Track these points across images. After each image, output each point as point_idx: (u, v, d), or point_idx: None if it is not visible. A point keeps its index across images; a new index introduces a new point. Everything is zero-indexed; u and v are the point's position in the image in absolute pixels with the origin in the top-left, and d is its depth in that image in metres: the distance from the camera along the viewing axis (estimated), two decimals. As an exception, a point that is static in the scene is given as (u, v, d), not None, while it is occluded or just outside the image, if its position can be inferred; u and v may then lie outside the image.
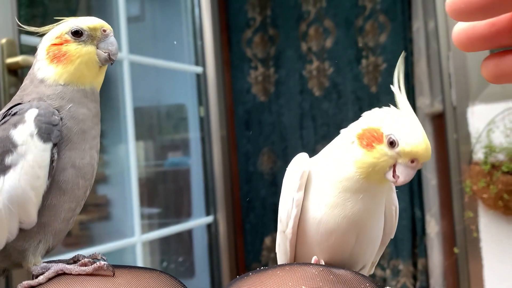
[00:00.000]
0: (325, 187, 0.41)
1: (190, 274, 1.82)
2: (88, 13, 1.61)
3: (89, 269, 0.35)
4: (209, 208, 1.83)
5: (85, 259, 0.41)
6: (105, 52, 0.44)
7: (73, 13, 1.57)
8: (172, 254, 1.78)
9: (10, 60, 1.00)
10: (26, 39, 1.09)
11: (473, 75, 1.56)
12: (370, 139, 0.38)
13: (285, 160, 1.92)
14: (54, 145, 0.35)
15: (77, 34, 0.41)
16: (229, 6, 2.04)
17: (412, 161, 0.37)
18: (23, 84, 0.40)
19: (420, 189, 1.85)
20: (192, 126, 1.87)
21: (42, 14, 1.47)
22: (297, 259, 0.44)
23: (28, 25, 0.42)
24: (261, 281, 0.33)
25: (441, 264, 1.75)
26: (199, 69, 1.81)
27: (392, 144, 0.36)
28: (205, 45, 1.80)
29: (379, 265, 1.93)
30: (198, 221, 1.80)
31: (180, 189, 1.85)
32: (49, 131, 0.35)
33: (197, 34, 1.81)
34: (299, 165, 0.43)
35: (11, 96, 0.86)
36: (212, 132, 1.82)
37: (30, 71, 0.40)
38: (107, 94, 1.60)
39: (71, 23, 0.41)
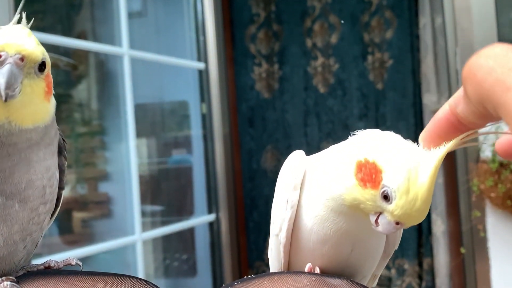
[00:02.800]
0: (314, 197, 0.38)
1: (192, 272, 1.80)
2: (91, 8, 1.59)
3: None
4: (211, 206, 1.81)
5: (56, 263, 0.39)
6: None
7: (77, 8, 1.56)
8: (174, 253, 1.77)
9: None
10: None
11: (481, 71, 1.52)
12: (367, 176, 0.33)
13: (289, 158, 1.89)
14: None
15: None
16: (233, 1, 2.01)
17: (397, 223, 0.33)
18: None
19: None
20: (194, 123, 1.85)
21: (43, 10, 1.46)
22: (290, 266, 0.41)
23: (29, 20, 0.39)
24: None
25: (447, 264, 1.71)
26: (201, 65, 1.78)
27: (385, 197, 0.33)
28: (208, 41, 1.78)
29: (384, 264, 1.91)
30: (200, 219, 1.79)
31: (182, 187, 1.83)
32: None
33: (200, 30, 1.79)
34: (295, 163, 0.40)
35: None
36: (215, 129, 1.80)
37: None
38: (107, 90, 1.58)
39: None
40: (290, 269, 0.40)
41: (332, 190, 0.36)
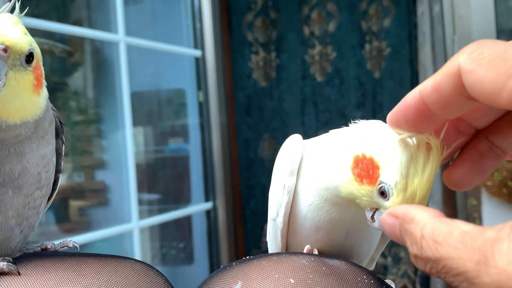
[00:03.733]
0: (309, 185, 0.38)
1: (189, 260, 1.81)
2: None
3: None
4: (208, 194, 1.81)
5: (52, 245, 0.39)
6: None
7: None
8: (171, 241, 1.77)
9: None
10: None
11: (479, 60, 1.52)
12: (364, 172, 0.32)
13: (286, 147, 1.89)
14: None
15: None
16: (230, -11, 2.00)
17: None
18: None
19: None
20: (191, 112, 1.84)
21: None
22: (288, 249, 0.41)
23: (24, 7, 0.37)
24: (245, 272, 0.31)
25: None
26: (198, 53, 1.77)
27: (382, 194, 0.32)
28: (205, 28, 1.77)
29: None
30: (197, 207, 1.79)
31: (179, 175, 1.83)
32: None
33: (196, 17, 1.77)
34: (292, 147, 0.39)
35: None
36: (212, 118, 1.79)
37: None
38: (103, 78, 1.57)
39: None
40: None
41: (328, 181, 0.35)
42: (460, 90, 0.23)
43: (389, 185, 0.31)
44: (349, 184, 0.33)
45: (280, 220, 0.39)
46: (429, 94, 0.25)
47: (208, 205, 1.80)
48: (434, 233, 0.22)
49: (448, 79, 0.23)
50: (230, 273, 0.31)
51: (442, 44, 1.63)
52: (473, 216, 1.51)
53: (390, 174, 0.31)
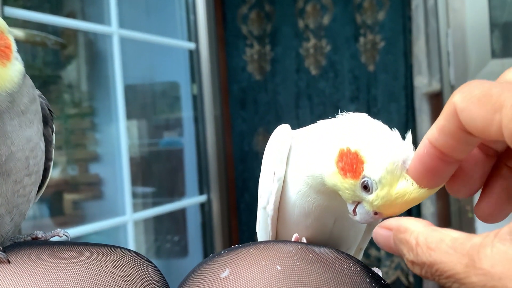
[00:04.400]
0: (297, 173, 0.38)
1: (184, 253, 1.82)
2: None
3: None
4: (203, 187, 1.81)
5: (43, 234, 0.39)
6: None
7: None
8: (166, 233, 1.77)
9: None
10: (10, 12, 1.06)
11: (472, 52, 1.52)
12: (348, 166, 0.32)
13: (280, 140, 1.89)
14: None
15: None
16: (224, -19, 1.99)
17: (376, 213, 0.33)
18: None
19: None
20: (185, 105, 1.84)
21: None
22: (278, 237, 0.42)
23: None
24: (232, 260, 0.31)
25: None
26: (191, 45, 1.77)
27: (365, 187, 0.32)
28: (199, 21, 1.76)
29: (374, 245, 1.93)
30: (191, 200, 1.79)
31: (174, 169, 1.83)
32: None
33: (190, 9, 1.76)
34: (281, 136, 0.40)
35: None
36: (206, 111, 1.79)
37: None
38: (97, 71, 1.56)
39: None
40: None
41: (313, 170, 0.36)
42: (462, 127, 0.25)
43: (373, 180, 0.31)
44: (333, 177, 0.33)
45: (270, 207, 0.40)
46: (437, 138, 0.27)
47: (203, 198, 1.80)
48: (428, 240, 0.24)
49: (449, 119, 0.25)
50: (218, 261, 0.32)
51: (436, 37, 1.63)
52: (466, 209, 1.52)
53: (375, 168, 0.31)
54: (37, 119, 0.37)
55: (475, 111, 0.23)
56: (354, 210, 0.34)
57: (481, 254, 0.22)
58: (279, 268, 0.30)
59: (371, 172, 0.31)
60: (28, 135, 0.36)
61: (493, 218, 0.28)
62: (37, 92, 0.39)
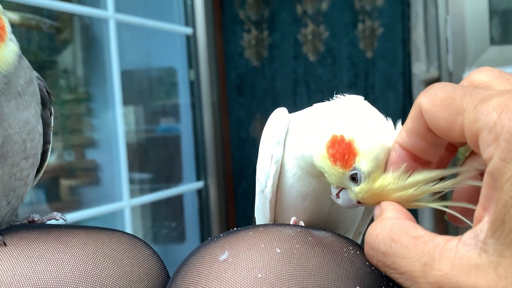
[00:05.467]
0: (292, 155, 0.38)
1: (181, 239, 1.82)
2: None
3: None
4: (200, 173, 1.81)
5: (40, 217, 0.39)
6: None
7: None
8: (163, 219, 1.78)
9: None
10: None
11: (471, 39, 1.51)
12: (339, 154, 0.32)
13: (277, 126, 1.88)
14: None
15: None
16: (222, -34, 1.96)
17: (359, 202, 0.32)
18: None
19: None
20: (182, 91, 1.83)
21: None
22: (276, 221, 0.42)
23: None
24: (231, 243, 0.31)
25: (431, 230, 1.75)
26: (188, 30, 1.75)
27: (353, 179, 0.31)
28: (196, 5, 1.74)
29: (370, 231, 1.94)
30: (188, 186, 1.79)
31: (171, 155, 1.83)
32: None
33: (187, -7, 1.74)
34: (278, 119, 0.40)
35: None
36: (203, 97, 1.78)
37: None
38: (93, 56, 1.55)
39: None
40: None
41: (304, 150, 0.36)
42: (429, 128, 0.26)
43: (363, 173, 0.30)
44: (322, 160, 0.33)
45: (268, 190, 0.40)
46: (406, 140, 0.28)
47: (200, 184, 1.80)
48: (392, 231, 0.25)
49: (417, 121, 0.26)
50: (217, 244, 0.31)
51: (435, 24, 1.62)
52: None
53: (367, 162, 0.30)
54: (34, 101, 0.37)
55: (438, 113, 0.24)
56: (337, 194, 0.34)
57: (442, 256, 0.22)
58: (278, 251, 0.29)
59: (362, 165, 0.30)
60: (25, 117, 0.35)
61: (461, 221, 0.27)
62: (35, 73, 0.38)
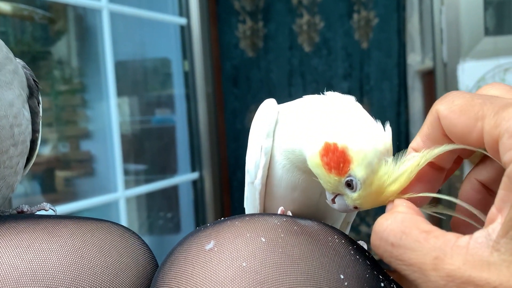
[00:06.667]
0: (281, 147, 0.38)
1: (176, 230, 1.83)
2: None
3: None
4: (195, 165, 1.81)
5: (29, 208, 0.39)
6: None
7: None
8: (158, 210, 1.78)
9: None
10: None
11: (465, 30, 1.51)
12: (334, 163, 0.31)
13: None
14: None
15: None
16: (216, -45, 1.95)
17: (355, 207, 0.33)
18: None
19: (408, 145, 1.84)
20: (176, 82, 1.82)
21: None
22: (266, 211, 0.42)
23: None
24: (217, 232, 0.31)
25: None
26: (183, 21, 1.74)
27: (349, 185, 0.31)
28: (190, -5, 1.73)
29: (365, 222, 1.95)
30: (183, 177, 1.79)
31: (166, 146, 1.83)
32: None
33: (181, -17, 1.73)
34: (267, 110, 0.40)
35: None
36: (198, 88, 1.78)
37: None
38: (87, 46, 1.54)
39: None
40: None
41: (293, 144, 0.36)
42: (445, 134, 0.27)
43: (358, 179, 0.31)
44: (317, 168, 0.33)
45: (258, 181, 0.40)
46: (422, 146, 0.29)
47: (195, 175, 1.80)
48: (403, 223, 0.25)
49: (433, 127, 0.27)
50: (203, 233, 0.32)
51: (430, 15, 1.62)
52: (456, 186, 1.54)
53: (362, 169, 0.30)
54: (17, 81, 0.37)
55: (457, 119, 0.25)
56: (333, 200, 0.34)
57: (454, 251, 0.23)
58: (263, 240, 0.30)
59: (357, 172, 0.31)
60: (9, 98, 0.35)
61: (465, 228, 0.28)
62: (20, 61, 0.38)
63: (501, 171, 0.23)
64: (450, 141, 0.27)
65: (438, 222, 0.31)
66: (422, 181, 0.29)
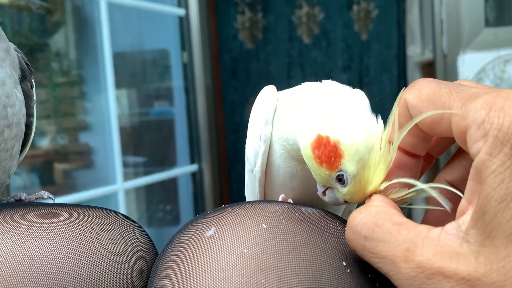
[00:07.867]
0: (276, 135, 0.38)
1: (176, 222, 1.83)
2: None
3: None
4: (194, 157, 1.81)
5: (27, 196, 0.38)
6: None
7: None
8: (157, 203, 1.78)
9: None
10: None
11: (466, 21, 1.51)
12: (325, 157, 0.31)
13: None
14: None
15: None
16: None
17: (346, 201, 0.32)
18: None
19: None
20: (175, 74, 1.82)
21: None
22: (266, 199, 0.42)
23: None
24: (218, 219, 0.31)
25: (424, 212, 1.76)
26: (181, 12, 1.73)
27: (340, 180, 0.31)
28: (188, -14, 1.72)
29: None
30: (182, 170, 1.79)
31: (165, 138, 1.82)
32: None
33: (179, -26, 1.72)
34: (267, 98, 0.39)
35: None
36: (196, 80, 1.77)
37: None
38: (85, 38, 1.53)
39: None
40: None
41: (287, 132, 0.35)
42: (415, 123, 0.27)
43: (349, 174, 0.30)
44: (308, 160, 0.33)
45: (257, 169, 0.39)
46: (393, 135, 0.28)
47: (194, 167, 1.80)
48: (376, 216, 0.25)
49: (403, 116, 0.27)
50: (204, 220, 0.31)
51: (430, 7, 1.61)
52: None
53: (353, 164, 0.30)
54: (8, 61, 0.36)
55: (425, 109, 0.25)
56: (324, 192, 0.34)
57: (424, 243, 0.23)
58: (264, 226, 0.29)
59: (348, 167, 0.30)
60: (1, 76, 0.34)
61: (444, 218, 0.27)
62: (12, 44, 0.37)
63: (469, 171, 0.23)
64: (420, 130, 0.26)
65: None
66: (401, 168, 0.29)
